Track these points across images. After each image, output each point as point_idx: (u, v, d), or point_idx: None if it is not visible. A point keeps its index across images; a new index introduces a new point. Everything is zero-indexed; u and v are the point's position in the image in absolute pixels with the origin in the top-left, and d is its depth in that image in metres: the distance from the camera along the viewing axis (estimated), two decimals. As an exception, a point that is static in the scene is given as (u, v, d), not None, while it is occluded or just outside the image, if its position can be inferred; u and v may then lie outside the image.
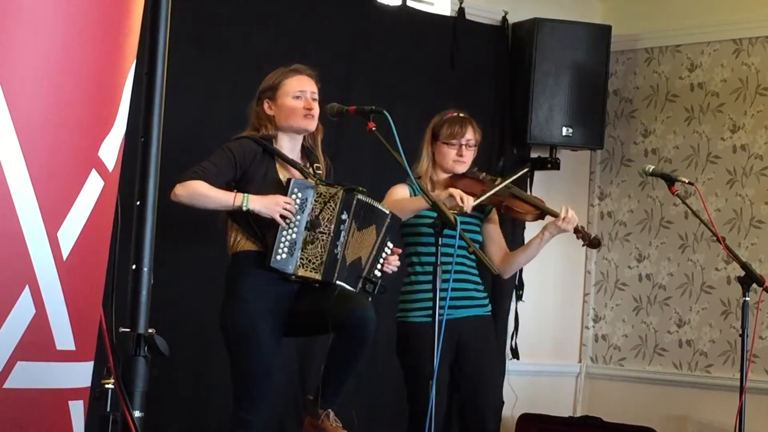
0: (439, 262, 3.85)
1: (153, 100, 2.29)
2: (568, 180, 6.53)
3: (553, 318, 6.57)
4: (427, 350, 4.19)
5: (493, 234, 4.69)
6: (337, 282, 4.08)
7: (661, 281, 6.37)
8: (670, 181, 4.73)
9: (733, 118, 6.19)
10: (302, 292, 4.12)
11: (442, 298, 4.10)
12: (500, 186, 4.60)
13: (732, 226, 6.12)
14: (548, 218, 4.66)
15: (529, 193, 6.29)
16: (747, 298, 4.53)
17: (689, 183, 4.76)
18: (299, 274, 4.04)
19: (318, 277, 4.05)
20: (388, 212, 4.22)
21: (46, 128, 2.18)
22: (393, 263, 4.24)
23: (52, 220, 2.20)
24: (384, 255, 4.22)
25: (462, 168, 4.58)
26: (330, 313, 3.97)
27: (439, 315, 3.86)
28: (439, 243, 3.89)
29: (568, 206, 4.62)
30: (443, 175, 4.60)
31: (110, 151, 2.31)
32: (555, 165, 6.32)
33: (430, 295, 4.26)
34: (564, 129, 6.19)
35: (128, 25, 2.35)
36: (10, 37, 2.12)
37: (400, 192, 4.50)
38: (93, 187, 2.28)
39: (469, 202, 4.38)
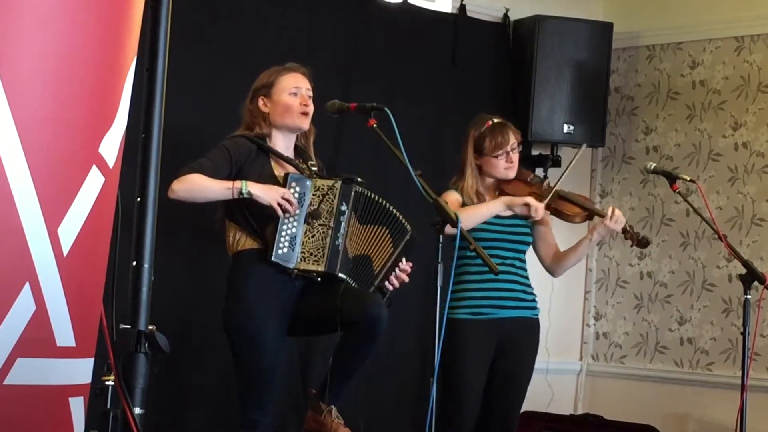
0: (440, 260, 3.85)
1: (153, 96, 2.29)
2: (570, 177, 6.46)
3: (555, 315, 6.55)
4: (469, 347, 4.23)
5: (544, 234, 4.71)
6: (340, 274, 4.07)
7: (663, 279, 6.37)
8: (671, 178, 4.73)
9: (734, 116, 6.18)
10: (306, 291, 4.11)
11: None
12: (555, 189, 4.61)
13: (733, 223, 6.11)
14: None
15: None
16: (748, 296, 4.54)
17: (691, 181, 4.77)
18: (301, 267, 4.03)
19: (320, 268, 4.04)
20: (409, 229, 4.24)
21: (47, 124, 2.18)
22: (401, 279, 4.26)
23: (53, 216, 2.20)
24: (397, 271, 4.23)
25: (513, 172, 4.60)
26: (342, 311, 3.96)
27: (440, 313, 3.85)
28: (440, 241, 3.90)
29: (614, 207, 4.64)
30: (489, 181, 4.62)
31: (111, 147, 2.31)
32: (556, 162, 6.32)
33: (477, 294, 4.44)
34: (565, 126, 6.18)
35: (129, 22, 2.35)
36: (11, 34, 2.12)
37: (454, 199, 4.49)
38: (93, 183, 2.27)
39: (540, 212, 4.49)
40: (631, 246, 4.72)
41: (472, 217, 4.45)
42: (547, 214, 4.68)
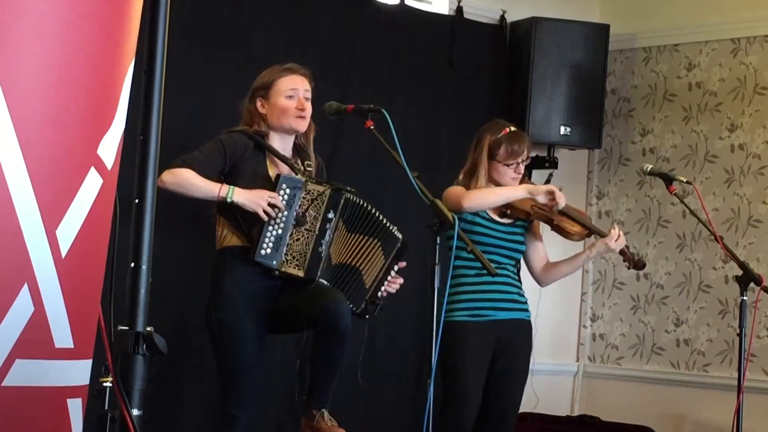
0: (438, 261, 3.85)
1: (152, 98, 2.29)
2: (566, 179, 6.52)
3: (551, 317, 6.56)
4: (469, 349, 4.22)
5: (536, 243, 4.74)
6: (320, 280, 4.08)
7: (659, 280, 6.37)
8: (668, 180, 4.74)
9: (731, 118, 6.19)
10: (285, 289, 4.12)
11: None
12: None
13: (730, 225, 6.12)
14: None
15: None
16: (745, 298, 4.55)
17: (687, 182, 4.78)
18: (283, 269, 4.04)
19: (301, 274, 4.06)
20: (400, 237, 4.25)
21: (45, 126, 2.18)
22: (396, 284, 4.26)
23: (51, 218, 2.20)
24: (389, 277, 4.24)
25: (517, 183, 4.58)
26: (303, 310, 3.98)
27: (440, 315, 3.85)
28: (438, 242, 3.91)
29: (617, 227, 4.66)
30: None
31: (109, 148, 2.31)
32: (553, 164, 6.33)
33: (475, 296, 4.44)
34: (562, 128, 6.19)
35: (127, 23, 2.35)
36: (9, 35, 2.12)
37: (460, 188, 4.51)
38: (92, 185, 2.27)
39: (562, 202, 4.50)
40: (628, 268, 4.80)
41: (489, 196, 4.47)
42: (538, 228, 4.71)
